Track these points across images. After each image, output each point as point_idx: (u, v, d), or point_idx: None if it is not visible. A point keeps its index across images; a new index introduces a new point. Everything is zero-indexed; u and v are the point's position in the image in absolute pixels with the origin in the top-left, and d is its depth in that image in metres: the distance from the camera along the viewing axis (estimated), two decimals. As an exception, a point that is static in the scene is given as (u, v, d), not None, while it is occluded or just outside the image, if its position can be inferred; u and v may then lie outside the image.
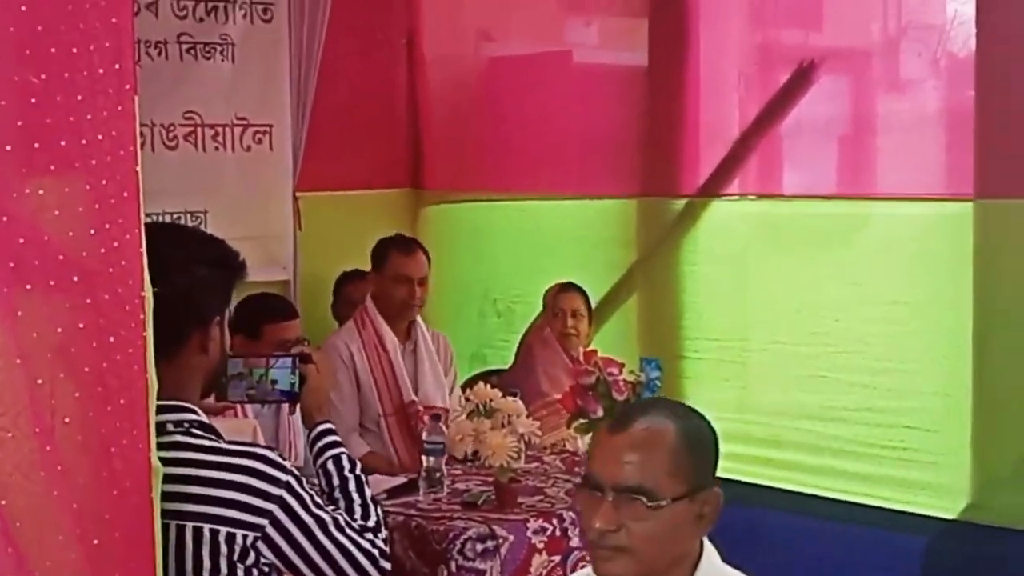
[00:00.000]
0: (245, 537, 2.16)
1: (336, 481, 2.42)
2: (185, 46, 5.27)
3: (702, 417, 2.09)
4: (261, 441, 3.44)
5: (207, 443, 2.22)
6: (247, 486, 2.18)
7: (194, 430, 2.23)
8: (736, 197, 5.14)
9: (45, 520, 1.78)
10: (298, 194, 5.54)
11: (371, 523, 2.36)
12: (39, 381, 1.81)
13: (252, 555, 2.18)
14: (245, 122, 5.43)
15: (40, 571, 1.77)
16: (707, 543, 2.06)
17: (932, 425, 4.52)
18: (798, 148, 5.12)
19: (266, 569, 2.23)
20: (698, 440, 2.01)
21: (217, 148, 5.37)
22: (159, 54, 5.19)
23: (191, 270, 2.24)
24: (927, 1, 4.68)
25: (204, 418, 2.28)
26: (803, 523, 4.76)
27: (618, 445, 1.96)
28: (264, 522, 2.18)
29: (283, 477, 2.22)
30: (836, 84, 5.12)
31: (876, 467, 4.63)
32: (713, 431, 2.08)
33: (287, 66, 5.50)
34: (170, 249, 2.21)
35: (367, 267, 4.88)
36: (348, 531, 2.29)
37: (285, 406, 4.21)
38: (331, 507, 2.32)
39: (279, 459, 2.24)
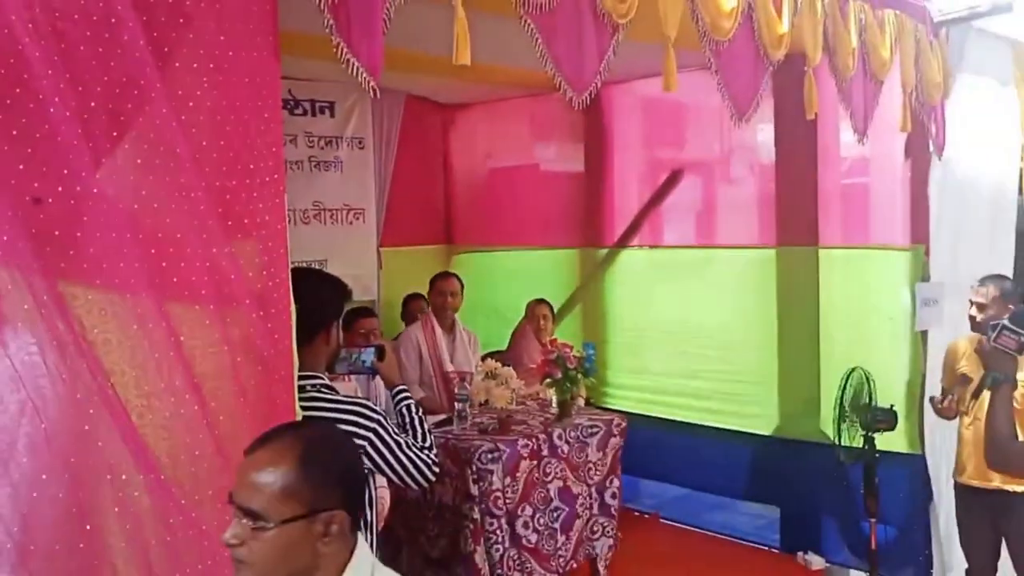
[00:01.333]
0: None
1: (407, 419, 2.39)
2: (313, 163, 5.23)
3: (341, 443, 1.45)
4: (360, 396, 3.40)
5: (331, 396, 2.19)
6: (354, 422, 2.15)
7: (322, 389, 2.18)
8: (637, 247, 5.14)
9: (239, 424, 1.75)
10: (380, 248, 5.50)
11: (427, 444, 2.33)
12: (238, 359, 1.79)
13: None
14: (348, 207, 5.38)
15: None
16: (360, 549, 1.39)
17: (754, 380, 4.55)
18: (672, 217, 5.14)
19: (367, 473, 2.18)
20: (321, 466, 1.36)
21: (333, 222, 5.32)
22: (297, 168, 5.16)
23: (320, 293, 2.22)
24: (746, 131, 4.71)
25: (328, 382, 2.23)
26: (678, 439, 4.77)
27: (244, 467, 1.36)
28: (366, 441, 2.16)
29: (375, 416, 2.19)
30: (694, 180, 5.14)
31: (721, 405, 4.64)
32: (349, 458, 1.43)
33: (372, 174, 5.47)
34: (308, 281, 2.21)
35: (423, 291, 4.86)
36: (414, 449, 2.24)
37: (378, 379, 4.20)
38: (404, 435, 2.30)
39: (373, 407, 2.21)
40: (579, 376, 3.84)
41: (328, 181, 5.30)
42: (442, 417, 3.93)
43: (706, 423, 4.67)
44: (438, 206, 6.08)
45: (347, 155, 5.36)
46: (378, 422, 2.19)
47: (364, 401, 2.24)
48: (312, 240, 5.13)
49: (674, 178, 5.00)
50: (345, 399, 2.21)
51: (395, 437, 2.22)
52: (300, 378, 1.95)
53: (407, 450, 2.22)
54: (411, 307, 5.20)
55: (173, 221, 1.68)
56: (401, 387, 2.46)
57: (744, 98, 2.96)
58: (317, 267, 4.96)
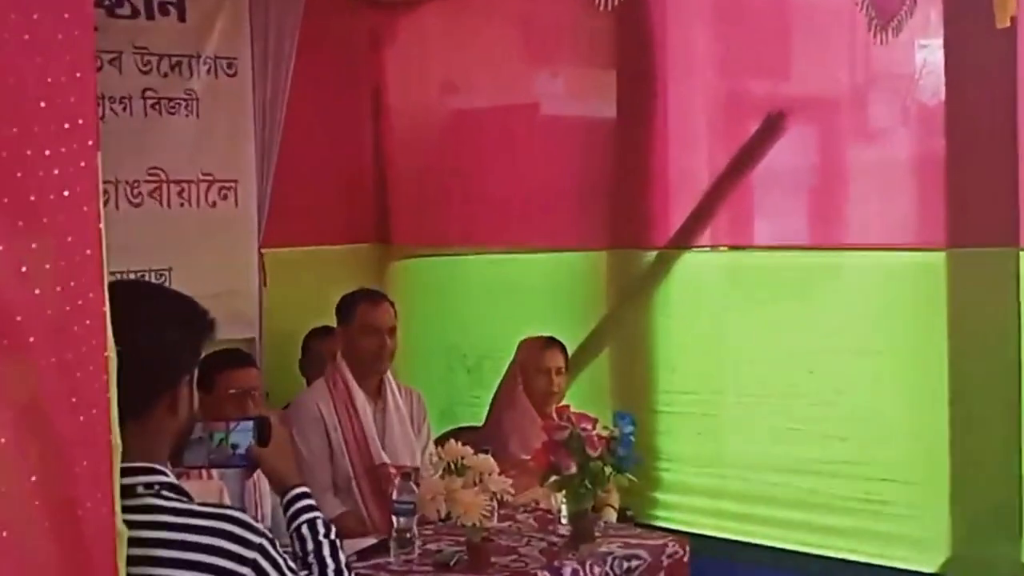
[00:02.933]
0: None
1: (311, 546, 2.39)
2: (150, 101, 5.25)
3: None
4: (228, 503, 3.40)
5: (179, 506, 2.18)
6: (221, 549, 2.14)
7: (165, 492, 2.18)
8: (707, 248, 5.17)
9: None
10: (263, 250, 5.54)
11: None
12: (1, 440, 1.78)
13: None
14: (210, 178, 5.42)
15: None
16: None
17: (908, 477, 4.53)
18: (768, 198, 5.15)
19: None
20: None
21: (182, 204, 5.35)
22: (123, 109, 5.17)
23: (160, 330, 2.21)
24: (895, 50, 4.73)
25: (175, 480, 2.23)
26: (778, 581, 4.77)
27: None
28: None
29: (256, 540, 2.18)
30: (805, 134, 5.16)
31: (853, 521, 4.63)
32: None
33: (251, 121, 5.51)
34: (139, 308, 2.18)
35: (334, 323, 4.87)
36: None
37: (257, 475, 4.21)
38: (304, 572, 2.29)
39: (252, 522, 2.21)
40: (607, 471, 3.85)
41: (174, 133, 5.32)
42: (371, 542, 3.94)
43: (826, 553, 4.67)
44: (364, 178, 6.12)
45: (207, 88, 5.39)
46: (260, 548, 2.19)
47: (239, 514, 2.24)
48: (147, 235, 5.13)
49: (771, 129, 5.03)
50: (204, 510, 2.21)
51: (288, 573, 2.22)
52: (125, 474, 1.95)
53: None
54: (317, 350, 5.21)
55: None
56: (299, 490, 2.46)
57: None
58: (154, 280, 4.95)
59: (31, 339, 1.85)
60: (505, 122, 5.88)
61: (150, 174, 5.25)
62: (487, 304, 5.71)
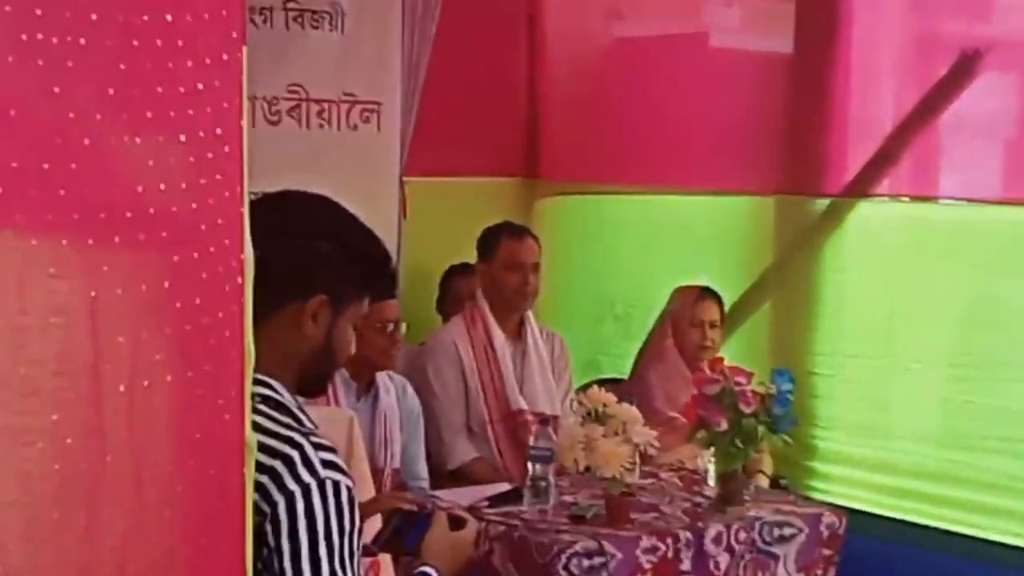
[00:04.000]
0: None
1: None
2: (292, 13, 5.32)
3: None
4: (357, 435, 3.46)
5: (268, 424, 2.17)
6: (272, 470, 2.14)
7: (262, 407, 2.18)
8: (886, 198, 5.12)
9: (102, 487, 1.81)
10: (405, 179, 5.60)
11: None
12: (120, 339, 1.84)
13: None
14: (353, 99, 5.47)
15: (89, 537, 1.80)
16: None
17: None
18: (958, 147, 5.07)
19: (260, 567, 2.14)
20: None
21: (322, 125, 5.42)
22: (264, 21, 5.26)
23: (308, 239, 2.26)
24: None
25: (284, 397, 2.24)
26: (951, 564, 4.69)
27: None
28: (266, 512, 2.13)
29: (306, 478, 2.14)
30: (1003, 79, 5.06)
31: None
32: None
33: (399, 41, 5.54)
34: (293, 215, 2.25)
35: (474, 260, 4.94)
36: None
37: (387, 406, 4.30)
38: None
39: (316, 459, 2.15)
40: (760, 430, 3.86)
41: (317, 49, 5.40)
42: (504, 488, 4.01)
43: (1003, 540, 4.60)
44: (515, 107, 6.15)
45: (354, 2, 5.45)
46: (304, 486, 2.13)
47: (304, 443, 2.18)
48: (283, 155, 5.20)
49: (965, 68, 4.92)
50: (280, 431, 2.18)
51: (329, 536, 2.15)
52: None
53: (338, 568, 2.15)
54: (456, 288, 5.28)
55: (24, 81, 1.74)
56: (431, 571, 2.43)
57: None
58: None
59: (160, 234, 1.91)
60: (671, 53, 5.87)
61: (290, 91, 5.33)
62: (640, 249, 5.72)
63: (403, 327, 4.33)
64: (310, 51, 5.38)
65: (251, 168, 1.98)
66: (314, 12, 5.38)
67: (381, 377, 4.33)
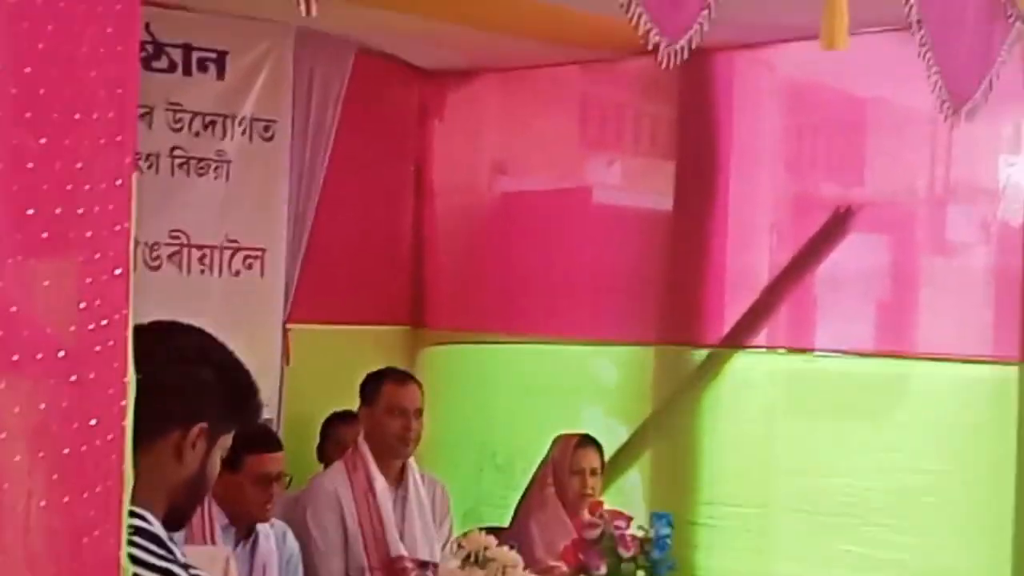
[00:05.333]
0: None
1: None
2: (178, 161, 5.34)
3: None
4: (233, 574, 3.44)
5: (137, 554, 2.13)
6: None
7: (137, 539, 2.15)
8: (763, 350, 5.22)
9: None
10: (288, 326, 5.61)
11: None
12: (16, 458, 1.85)
13: None
14: (236, 245, 5.47)
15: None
16: None
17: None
18: (832, 302, 5.22)
19: None
20: None
21: (203, 271, 5.41)
22: (149, 167, 5.23)
23: (193, 367, 2.28)
24: (978, 163, 4.83)
25: (157, 529, 2.22)
26: None
27: None
28: None
29: None
30: (874, 239, 5.24)
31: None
32: None
33: (286, 188, 5.59)
34: (181, 341, 2.27)
35: (357, 407, 4.93)
36: None
37: (267, 552, 4.27)
38: None
39: None
40: (640, 574, 3.91)
41: (202, 195, 5.43)
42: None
43: None
44: (401, 256, 6.21)
45: (240, 151, 5.49)
46: None
47: None
48: (163, 302, 5.20)
49: (838, 224, 5.11)
50: (169, 567, 2.17)
51: None
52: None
53: None
54: (337, 435, 5.26)
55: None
56: None
57: (966, 78, 3.10)
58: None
59: (51, 356, 1.94)
60: (555, 207, 5.97)
61: (171, 236, 5.31)
62: (523, 398, 5.75)
63: (285, 480, 4.33)
64: (194, 198, 5.39)
65: (133, 308, 2.02)
66: (200, 160, 5.39)
67: (261, 524, 4.32)
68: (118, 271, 2.02)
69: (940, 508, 4.63)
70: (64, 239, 1.97)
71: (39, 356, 1.90)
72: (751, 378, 5.20)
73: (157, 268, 5.30)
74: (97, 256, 2.00)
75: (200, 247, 5.42)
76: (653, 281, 5.54)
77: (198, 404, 2.29)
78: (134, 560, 2.07)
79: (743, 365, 5.22)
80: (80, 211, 1.97)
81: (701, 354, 5.31)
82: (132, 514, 2.18)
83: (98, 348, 1.98)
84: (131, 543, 2.09)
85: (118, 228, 2.03)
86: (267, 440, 4.22)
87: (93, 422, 1.95)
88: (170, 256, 5.34)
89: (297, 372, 5.61)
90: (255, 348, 5.44)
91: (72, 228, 1.97)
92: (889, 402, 4.85)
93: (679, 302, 5.45)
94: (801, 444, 5.01)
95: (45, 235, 1.95)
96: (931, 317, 4.99)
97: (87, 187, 1.99)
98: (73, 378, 1.93)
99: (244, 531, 4.28)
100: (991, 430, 4.54)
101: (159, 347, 2.21)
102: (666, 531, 3.93)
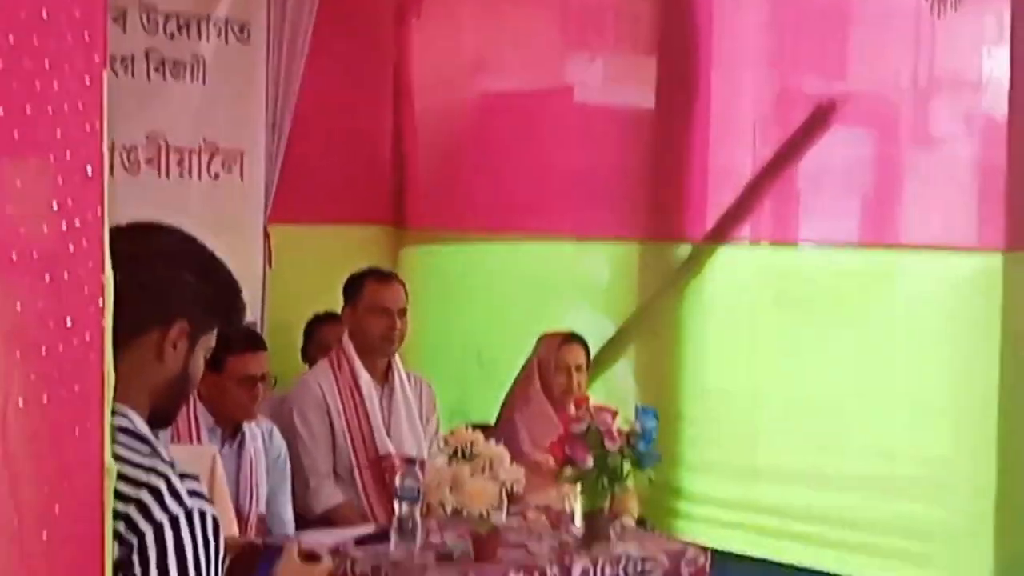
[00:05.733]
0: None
1: None
2: (153, 63, 5.32)
3: None
4: (220, 474, 3.46)
5: (129, 455, 2.14)
6: (120, 513, 2.09)
7: (121, 437, 2.17)
8: (747, 244, 5.24)
9: None
10: (269, 227, 5.62)
11: None
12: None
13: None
14: (214, 147, 5.48)
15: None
16: None
17: (953, 498, 4.56)
18: (816, 194, 5.22)
19: None
20: None
21: (182, 174, 5.41)
22: (125, 70, 5.23)
23: (173, 267, 2.27)
24: (959, 53, 4.80)
25: (141, 428, 2.22)
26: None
27: None
28: (133, 544, 2.09)
29: (158, 516, 2.11)
30: (857, 129, 5.22)
31: (891, 541, 4.66)
32: None
33: (263, 90, 5.57)
34: (160, 241, 2.27)
35: (340, 308, 4.94)
36: None
37: (253, 451, 4.29)
38: None
39: (168, 494, 2.12)
40: (627, 468, 3.91)
41: (178, 99, 5.40)
42: (370, 530, 4.00)
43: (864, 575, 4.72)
44: (381, 156, 6.20)
45: (216, 53, 5.47)
46: (156, 525, 2.09)
47: (157, 483, 2.13)
48: (142, 206, 5.14)
49: (820, 119, 5.08)
50: (137, 465, 2.14)
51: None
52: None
53: None
54: (321, 336, 5.27)
55: None
56: None
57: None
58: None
59: (25, 256, 1.93)
60: (536, 106, 5.94)
61: (149, 140, 5.31)
62: (507, 296, 5.77)
63: (270, 381, 4.35)
64: (170, 101, 5.38)
65: (109, 215, 2.00)
66: (175, 62, 5.37)
67: (247, 423, 4.34)
68: (90, 171, 2.01)
69: (925, 397, 4.66)
70: (35, 139, 1.95)
71: (13, 256, 1.89)
72: (735, 272, 5.21)
73: (135, 172, 5.29)
74: (68, 156, 1.98)
75: (178, 150, 5.42)
76: (636, 178, 5.54)
77: (178, 303, 2.28)
78: (118, 459, 2.07)
79: (727, 260, 5.23)
80: (50, 110, 1.96)
81: (685, 249, 5.33)
82: (115, 413, 2.19)
83: (72, 248, 1.97)
84: (115, 442, 2.12)
85: (89, 128, 2.00)
86: (249, 340, 4.22)
87: (69, 322, 1.95)
88: (148, 160, 5.34)
89: (279, 274, 5.63)
90: (236, 251, 5.38)
91: (42, 128, 1.96)
92: (874, 293, 4.86)
93: (663, 198, 5.45)
94: (785, 337, 5.03)
95: (16, 134, 1.94)
96: (915, 209, 4.99)
97: (56, 86, 1.97)
98: (47, 278, 1.92)
99: (230, 431, 4.30)
100: (975, 319, 4.56)
101: (137, 247, 2.20)
102: (652, 424, 3.96)
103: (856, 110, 5.15)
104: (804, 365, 4.96)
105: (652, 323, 5.43)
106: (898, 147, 5.15)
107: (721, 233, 5.24)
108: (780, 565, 4.90)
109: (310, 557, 2.58)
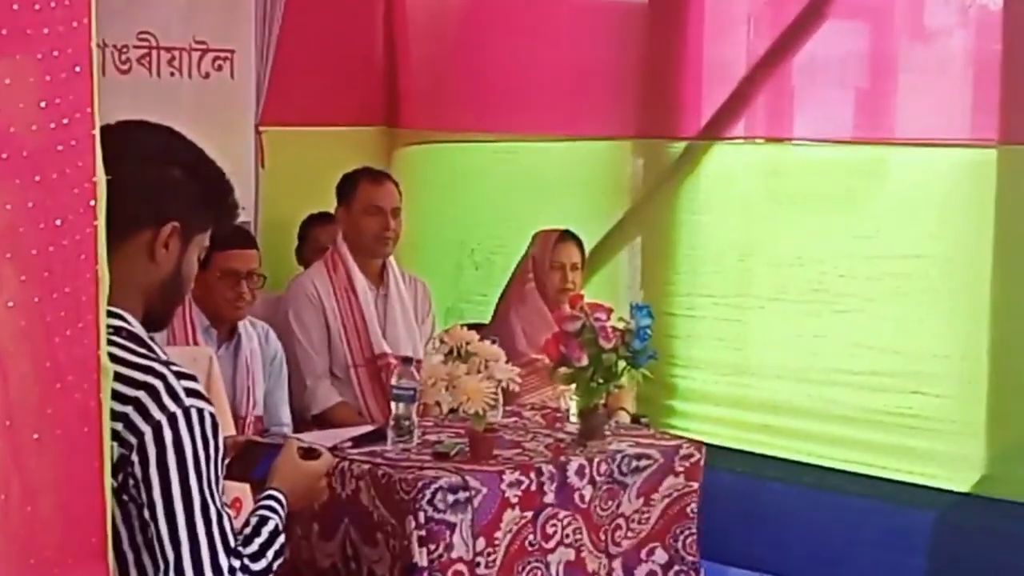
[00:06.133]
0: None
1: (252, 528, 2.30)
2: (140, -44, 5.24)
3: None
4: (216, 373, 3.46)
5: (118, 352, 2.13)
6: (136, 400, 2.12)
7: (116, 338, 2.16)
8: (740, 140, 5.21)
9: None
10: (261, 128, 5.57)
11: (251, 558, 2.21)
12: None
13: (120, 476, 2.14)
14: (204, 46, 5.42)
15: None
16: None
17: (944, 391, 4.60)
18: (810, 90, 5.19)
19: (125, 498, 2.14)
20: None
21: (173, 74, 5.36)
22: (109, -33, 5.18)
23: (162, 166, 2.25)
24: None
25: (136, 328, 2.23)
26: (803, 494, 4.84)
27: None
28: (132, 444, 2.10)
29: (171, 407, 2.11)
30: (853, 25, 5.17)
31: (882, 435, 4.70)
32: None
33: (251, -12, 5.50)
34: (148, 140, 2.25)
35: (334, 208, 4.94)
36: (216, 531, 2.12)
37: (249, 352, 4.31)
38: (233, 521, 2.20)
39: (179, 387, 2.14)
40: (622, 365, 3.91)
41: (167, -5, 5.35)
42: (367, 428, 4.01)
43: (856, 470, 4.75)
44: (373, 55, 6.14)
45: (205, -51, 5.40)
46: (170, 415, 2.11)
47: (167, 373, 2.16)
48: (134, 105, 5.10)
49: (815, 12, 5.05)
50: (139, 362, 2.16)
51: (194, 472, 2.12)
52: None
53: (199, 519, 2.12)
54: (315, 236, 5.27)
55: None
56: (275, 492, 2.45)
57: None
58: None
59: (15, 156, 1.91)
60: (528, 3, 5.88)
61: (139, 39, 5.25)
62: (500, 195, 5.75)
63: (259, 279, 4.35)
64: (159, -1, 5.32)
65: (100, 115, 1.97)
66: (161, -45, 5.31)
67: (243, 324, 4.34)
68: (78, 68, 1.98)
69: (918, 292, 4.68)
70: (22, 36, 1.93)
71: (3, 156, 1.87)
72: (729, 169, 5.20)
73: (127, 71, 5.25)
74: (56, 53, 1.95)
75: (168, 49, 5.36)
76: (629, 75, 5.50)
77: (169, 203, 2.26)
78: (114, 358, 2.08)
79: (721, 156, 5.21)
80: (37, 7, 1.93)
81: (679, 147, 5.30)
82: (110, 314, 2.18)
83: (60, 147, 1.95)
84: (110, 342, 2.09)
85: (76, 24, 1.98)
86: (235, 236, 4.18)
87: (59, 222, 1.94)
88: (139, 59, 5.29)
89: (272, 175, 5.60)
90: (228, 151, 5.34)
91: (29, 25, 1.93)
92: (868, 189, 4.86)
93: (656, 95, 5.41)
94: (779, 233, 5.04)
95: (3, 31, 1.91)
96: (909, 103, 4.97)
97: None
98: (37, 178, 1.91)
99: (226, 333, 4.31)
100: (969, 214, 4.56)
101: (126, 146, 2.19)
102: (646, 322, 3.95)
103: (850, 3, 5.10)
104: (797, 262, 4.96)
105: (646, 220, 5.42)
106: (892, 40, 5.11)
107: (715, 130, 5.22)
108: (771, 458, 4.95)
109: (310, 452, 2.59)
